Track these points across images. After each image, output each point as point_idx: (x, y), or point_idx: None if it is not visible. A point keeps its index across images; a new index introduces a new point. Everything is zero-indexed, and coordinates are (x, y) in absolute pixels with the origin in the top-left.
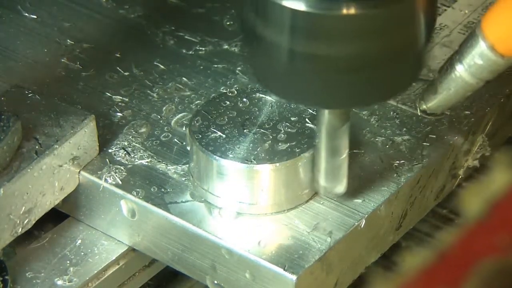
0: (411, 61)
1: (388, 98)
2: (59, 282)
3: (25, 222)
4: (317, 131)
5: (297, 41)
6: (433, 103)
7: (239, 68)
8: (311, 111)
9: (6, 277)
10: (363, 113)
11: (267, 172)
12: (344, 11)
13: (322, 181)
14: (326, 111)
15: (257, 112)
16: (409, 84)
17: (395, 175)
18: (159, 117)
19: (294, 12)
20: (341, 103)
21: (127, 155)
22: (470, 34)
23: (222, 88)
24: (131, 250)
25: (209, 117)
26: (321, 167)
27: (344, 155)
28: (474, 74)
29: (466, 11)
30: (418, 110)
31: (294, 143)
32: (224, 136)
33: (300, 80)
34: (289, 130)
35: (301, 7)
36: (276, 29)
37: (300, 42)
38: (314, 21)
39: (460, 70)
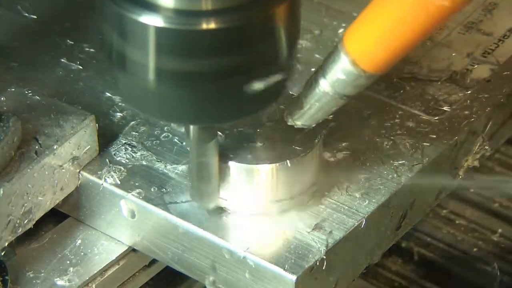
0: (273, 75)
1: (254, 112)
2: (59, 282)
3: (25, 222)
4: (186, 146)
5: (155, 57)
6: (299, 117)
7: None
8: None
9: (6, 277)
10: (363, 113)
11: (267, 172)
12: (204, 26)
13: (196, 196)
14: (192, 127)
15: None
16: (274, 98)
17: (395, 175)
18: None
19: (146, 27)
20: (205, 119)
21: (127, 155)
22: (333, 49)
23: None
24: (131, 250)
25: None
26: (193, 182)
27: (214, 171)
28: (337, 89)
29: (466, 11)
30: (287, 123)
31: (294, 143)
32: (224, 136)
33: (162, 97)
34: (289, 130)
35: (156, 22)
36: (132, 45)
37: (159, 58)
38: (170, 36)
39: (324, 85)
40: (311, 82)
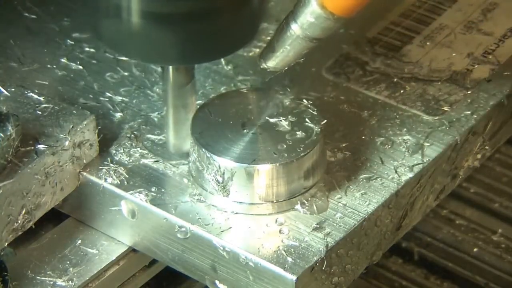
0: (244, 19)
1: (228, 53)
2: (59, 282)
3: (25, 222)
4: (163, 89)
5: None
6: (271, 61)
7: (239, 68)
8: (311, 111)
9: (6, 277)
10: (363, 113)
11: (267, 172)
12: None
13: (171, 138)
14: (171, 69)
15: (257, 112)
16: (249, 39)
17: (395, 175)
18: (159, 117)
19: None
20: (181, 59)
21: (127, 155)
22: None
23: (222, 88)
24: (131, 250)
25: (209, 117)
26: (170, 124)
27: (191, 113)
28: (308, 32)
29: (466, 11)
30: (260, 67)
31: (294, 143)
32: (224, 136)
33: (141, 38)
34: (289, 129)
35: None
36: None
37: (141, 0)
38: None
39: (295, 29)
40: (283, 26)
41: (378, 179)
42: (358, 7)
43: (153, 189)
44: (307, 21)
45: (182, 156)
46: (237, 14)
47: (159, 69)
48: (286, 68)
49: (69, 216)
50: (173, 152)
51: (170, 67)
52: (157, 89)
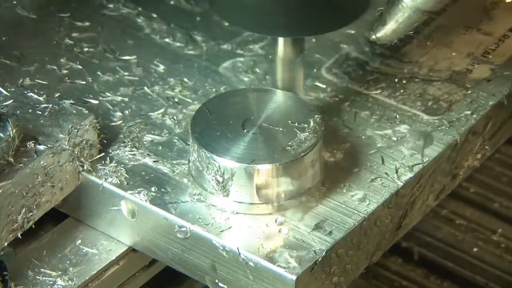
0: None
1: (337, 27)
2: (59, 282)
3: (25, 222)
4: (274, 62)
5: None
6: (382, 33)
7: (239, 68)
8: (311, 111)
9: (6, 277)
10: (364, 113)
11: (267, 172)
12: None
13: None
14: (281, 41)
15: (257, 112)
16: (358, 16)
17: (395, 175)
18: (159, 117)
19: None
20: (294, 31)
21: (127, 155)
22: None
23: (222, 88)
24: (131, 250)
25: (209, 117)
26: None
27: (300, 87)
28: (419, 4)
29: (466, 11)
30: (369, 40)
31: (294, 142)
32: (224, 136)
33: (256, 9)
34: (289, 130)
35: None
36: None
37: None
38: None
39: (407, 1)
40: None
41: (378, 179)
42: None
43: (153, 189)
44: None
45: None
46: None
47: (159, 69)
48: (395, 41)
49: (69, 216)
50: None
51: (280, 39)
52: (157, 89)
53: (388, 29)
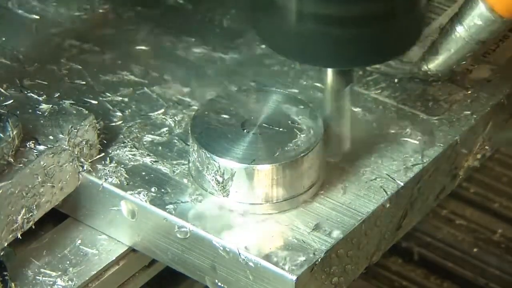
0: (412, 21)
1: (389, 58)
2: (59, 282)
3: (25, 222)
4: (323, 92)
5: (303, 1)
6: (434, 64)
7: (239, 69)
8: (311, 111)
9: (6, 277)
10: (364, 113)
11: (267, 172)
12: None
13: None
14: (331, 71)
15: (257, 112)
16: (410, 46)
17: (395, 175)
18: (159, 117)
19: None
20: (345, 62)
21: (127, 155)
22: None
23: (223, 88)
24: (131, 250)
25: (209, 117)
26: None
27: (347, 117)
28: (473, 34)
29: None
30: (420, 72)
31: (294, 143)
32: (224, 136)
33: (306, 40)
34: (289, 130)
35: None
36: None
37: (306, 2)
38: None
39: (460, 31)
40: (447, 29)
41: (378, 179)
42: None
43: (153, 189)
44: (474, 24)
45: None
46: (400, 20)
47: (159, 69)
48: (447, 72)
49: (69, 216)
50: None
51: (329, 70)
52: (157, 89)
53: (440, 60)
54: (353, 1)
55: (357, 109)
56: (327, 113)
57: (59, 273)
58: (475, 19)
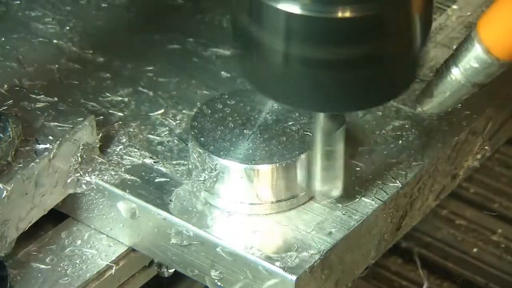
0: (406, 65)
1: (382, 102)
2: (59, 282)
3: (25, 222)
4: (313, 135)
5: (292, 44)
6: (429, 106)
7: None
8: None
9: (6, 277)
10: (363, 113)
11: (267, 172)
12: (340, 14)
13: (317, 185)
14: (321, 115)
15: (257, 112)
16: (404, 89)
17: (395, 175)
18: (159, 117)
19: (289, 15)
20: (336, 106)
21: (127, 155)
22: (466, 37)
23: (222, 88)
24: (131, 250)
25: (209, 117)
26: (317, 171)
27: (340, 159)
28: (469, 77)
29: (466, 11)
30: (416, 110)
31: (294, 143)
32: (224, 136)
33: (295, 83)
34: (289, 130)
35: (296, 10)
36: (271, 32)
37: (295, 45)
38: (309, 24)
39: (456, 73)
40: (442, 70)
41: (378, 179)
42: None
43: (153, 189)
44: (470, 66)
45: (331, 198)
46: (395, 64)
47: (159, 69)
48: (442, 114)
49: (69, 216)
50: (318, 198)
51: (321, 114)
52: (157, 89)
53: (435, 102)
54: (343, 44)
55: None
56: (317, 156)
57: (59, 273)
58: (471, 61)
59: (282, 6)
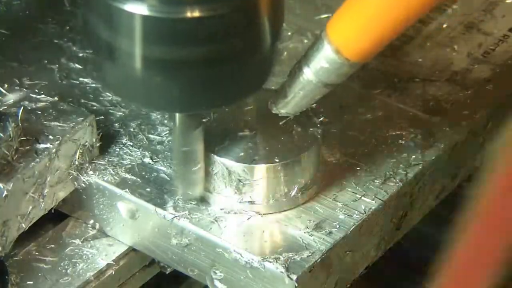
0: (256, 64)
1: (239, 99)
2: (59, 282)
3: (25, 222)
4: (171, 136)
5: (141, 46)
6: (283, 106)
7: None
8: (310, 111)
9: (6, 277)
10: (363, 113)
11: (266, 171)
12: (188, 14)
13: (179, 186)
14: (177, 115)
15: (257, 112)
16: (256, 88)
17: (395, 175)
18: (159, 117)
19: (133, 16)
20: (189, 107)
21: (127, 155)
22: (317, 37)
23: None
24: (131, 250)
25: (209, 117)
26: (178, 171)
27: (199, 160)
28: (321, 77)
29: (466, 11)
30: (272, 111)
31: (293, 143)
32: (224, 136)
33: (148, 86)
34: (288, 129)
35: (142, 11)
36: (118, 34)
37: (144, 47)
38: (153, 25)
39: (308, 74)
40: (295, 70)
41: (378, 179)
42: (374, 53)
43: (153, 189)
44: (321, 67)
45: (194, 200)
46: (244, 63)
47: None
48: (298, 113)
49: (69, 216)
50: (181, 197)
51: (177, 114)
52: None
53: (289, 102)
54: (188, 45)
55: (357, 109)
56: (177, 157)
57: (59, 273)
58: (322, 61)
59: (128, 8)
